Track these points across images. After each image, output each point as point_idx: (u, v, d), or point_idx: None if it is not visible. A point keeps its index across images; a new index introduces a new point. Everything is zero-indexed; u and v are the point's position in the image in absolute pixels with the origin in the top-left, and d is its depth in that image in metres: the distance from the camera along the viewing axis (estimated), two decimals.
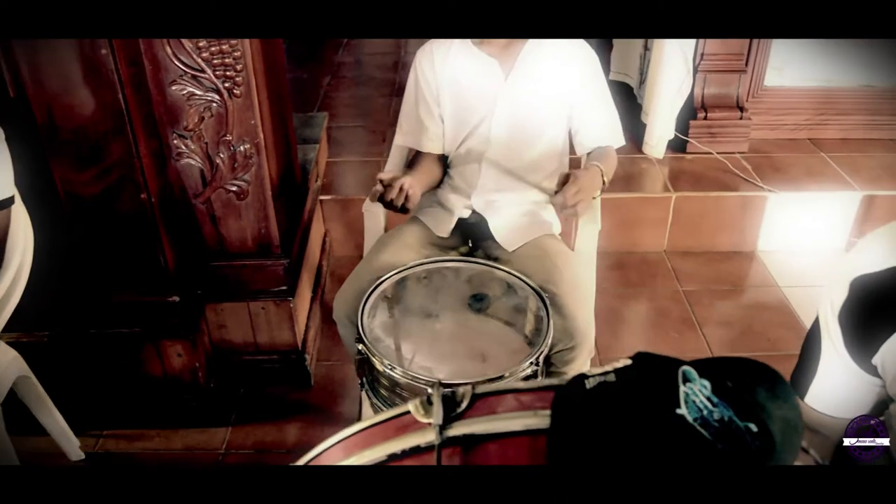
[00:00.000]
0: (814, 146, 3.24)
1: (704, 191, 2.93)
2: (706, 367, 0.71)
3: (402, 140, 1.92)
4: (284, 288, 2.13)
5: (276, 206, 2.01)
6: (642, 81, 3.15)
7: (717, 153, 3.09)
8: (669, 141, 3.09)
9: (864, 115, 3.23)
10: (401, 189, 1.57)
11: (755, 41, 3.01)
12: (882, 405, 1.05)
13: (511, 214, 1.84)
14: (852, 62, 3.09)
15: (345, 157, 3.21)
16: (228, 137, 1.86)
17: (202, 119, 1.83)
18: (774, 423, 0.68)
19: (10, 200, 1.54)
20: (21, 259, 1.61)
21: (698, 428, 0.66)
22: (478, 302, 1.63)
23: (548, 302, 1.56)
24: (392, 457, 0.68)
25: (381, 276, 1.65)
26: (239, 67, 1.77)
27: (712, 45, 3.00)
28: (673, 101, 2.98)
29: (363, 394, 1.65)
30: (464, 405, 0.67)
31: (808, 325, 2.63)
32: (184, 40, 1.72)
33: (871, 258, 0.96)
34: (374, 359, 1.47)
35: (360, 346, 1.49)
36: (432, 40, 1.83)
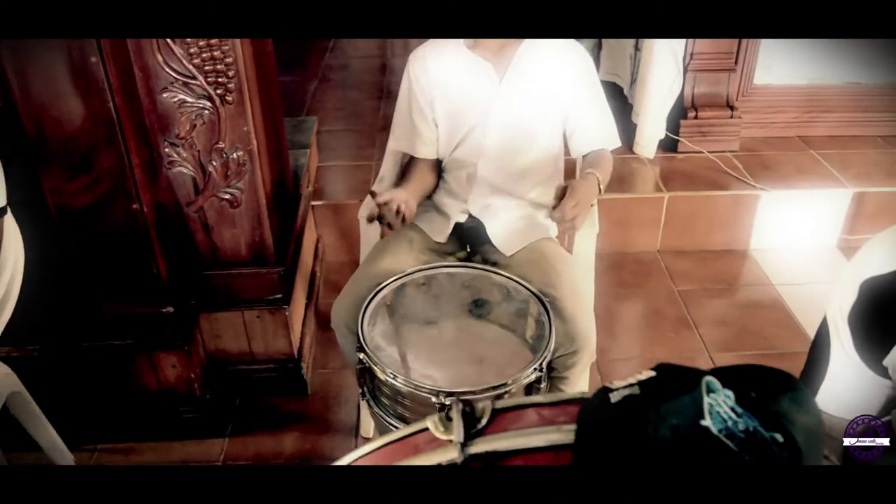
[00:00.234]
0: (803, 144, 3.25)
1: (696, 190, 2.93)
2: (727, 376, 0.70)
3: (395, 145, 1.90)
4: (279, 296, 2.10)
5: (269, 213, 1.99)
6: (633, 82, 3.15)
7: (708, 152, 3.09)
8: (660, 141, 3.10)
9: (852, 112, 3.25)
10: (398, 211, 1.59)
11: (744, 40, 3.02)
12: (890, 405, 1.05)
13: (508, 218, 1.82)
14: (840, 60, 3.11)
15: (335, 162, 3.19)
16: (221, 145, 1.84)
17: (194, 126, 1.81)
18: (799, 432, 0.67)
19: (4, 210, 1.50)
20: (12, 272, 1.58)
21: (724, 439, 0.65)
22: (478, 308, 1.62)
23: (549, 307, 1.55)
24: None
25: (380, 284, 1.63)
26: (231, 73, 1.74)
27: (702, 44, 3.01)
28: (663, 100, 2.99)
29: (362, 402, 1.63)
30: (484, 421, 0.66)
31: (803, 322, 2.65)
32: (175, 47, 1.69)
33: (881, 260, 0.96)
34: (375, 368, 1.45)
35: (362, 356, 1.47)
36: (425, 44, 1.81)
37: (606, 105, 1.82)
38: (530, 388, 1.45)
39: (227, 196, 1.92)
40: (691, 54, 3.02)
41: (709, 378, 0.67)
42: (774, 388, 0.71)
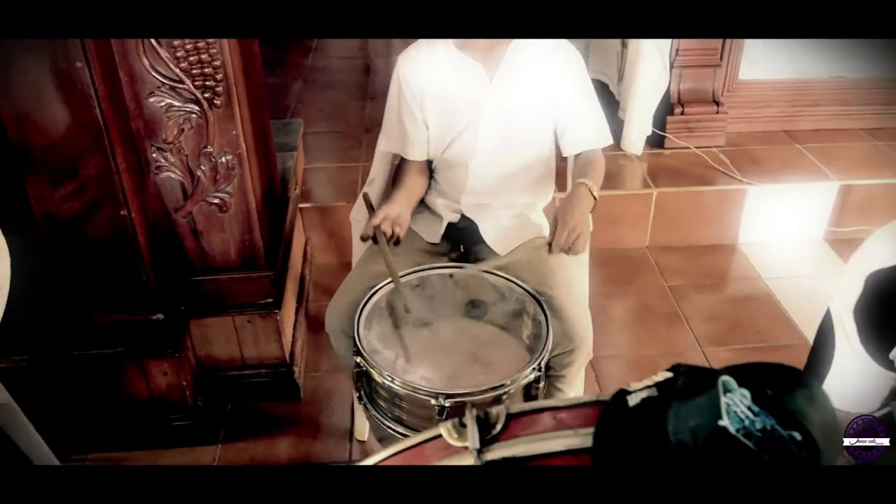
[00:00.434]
0: (789, 138, 3.27)
1: (684, 186, 2.94)
2: (740, 375, 0.69)
3: (386, 146, 1.88)
4: (270, 300, 2.08)
5: (259, 217, 1.97)
6: (620, 79, 3.15)
7: (695, 148, 3.10)
8: (647, 137, 3.10)
9: (836, 105, 3.28)
10: (392, 233, 1.63)
11: None
12: (893, 396, 1.05)
13: (501, 218, 1.81)
14: (824, 54, 3.13)
15: (321, 164, 3.17)
16: (209, 149, 1.81)
17: (182, 131, 1.78)
18: (815, 430, 0.67)
19: None
20: None
21: (742, 439, 0.65)
22: (475, 308, 1.61)
23: (545, 306, 1.54)
24: None
25: (374, 286, 1.61)
26: (219, 77, 1.72)
27: (687, 40, 3.02)
28: (650, 97, 2.99)
29: (359, 405, 1.62)
30: (499, 427, 0.65)
31: (793, 316, 2.66)
32: (161, 50, 1.67)
33: (886, 253, 0.96)
34: (372, 371, 1.43)
35: (359, 359, 1.46)
36: (414, 45, 1.80)
37: (597, 103, 1.81)
38: (529, 388, 1.45)
39: (216, 201, 1.89)
40: (677, 50, 3.03)
41: (725, 377, 0.67)
42: (787, 385, 0.71)
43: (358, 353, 1.46)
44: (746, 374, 0.70)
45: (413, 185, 1.81)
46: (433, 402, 1.35)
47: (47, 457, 1.85)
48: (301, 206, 2.78)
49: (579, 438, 0.61)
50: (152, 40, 1.66)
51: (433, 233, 1.81)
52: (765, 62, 3.14)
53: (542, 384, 1.45)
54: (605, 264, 2.87)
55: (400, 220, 1.65)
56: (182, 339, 2.01)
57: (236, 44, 1.82)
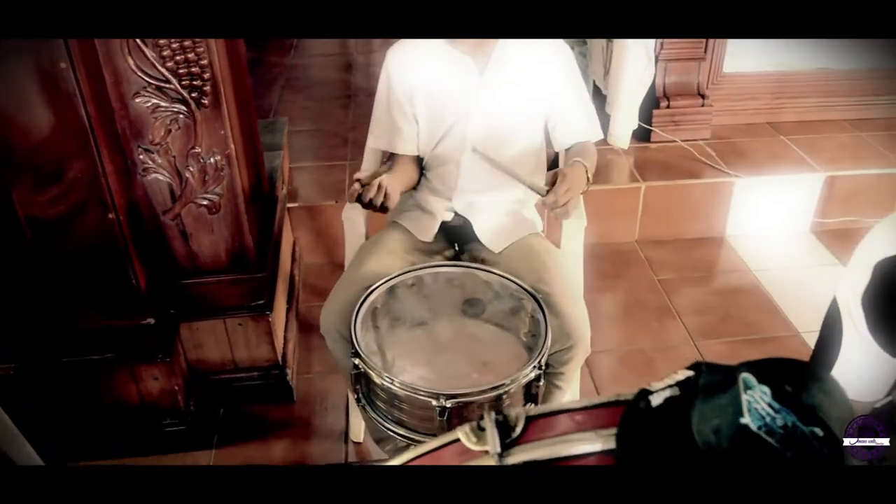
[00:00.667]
0: (773, 130, 3.29)
1: (671, 179, 2.95)
2: (757, 371, 0.69)
3: (375, 143, 1.86)
4: (262, 302, 2.06)
5: (249, 218, 1.94)
6: (605, 73, 3.14)
7: (681, 141, 3.11)
8: (634, 131, 3.10)
9: (820, 97, 3.30)
10: (379, 187, 1.54)
11: None
12: None
13: (494, 215, 1.80)
14: (807, 46, 3.15)
15: (307, 163, 3.14)
16: (198, 150, 1.79)
17: (169, 132, 1.75)
18: (834, 425, 0.66)
19: None
20: None
21: (764, 436, 0.64)
22: (472, 307, 1.59)
23: (543, 303, 1.53)
24: None
25: (369, 286, 1.60)
26: (206, 76, 1.69)
27: None
28: (636, 91, 2.99)
29: (357, 407, 1.60)
30: (518, 430, 0.63)
31: (782, 307, 2.66)
32: (146, 50, 1.63)
33: (893, 241, 0.96)
34: (371, 372, 1.42)
35: (357, 361, 1.44)
36: (403, 40, 1.78)
37: (588, 96, 1.81)
38: (529, 387, 1.44)
39: (205, 202, 1.86)
40: (661, 44, 3.03)
41: (745, 374, 0.66)
42: (806, 380, 0.70)
43: (356, 354, 1.44)
44: (763, 369, 0.69)
45: (403, 171, 1.79)
46: (434, 402, 1.34)
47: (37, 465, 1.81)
48: (289, 205, 2.76)
49: (601, 440, 0.60)
50: (137, 40, 1.62)
51: (426, 231, 1.79)
52: (748, 55, 3.15)
53: (542, 382, 1.44)
54: (596, 259, 2.86)
55: (391, 187, 1.56)
56: (173, 342, 1.98)
57: (223, 42, 1.79)
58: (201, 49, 1.66)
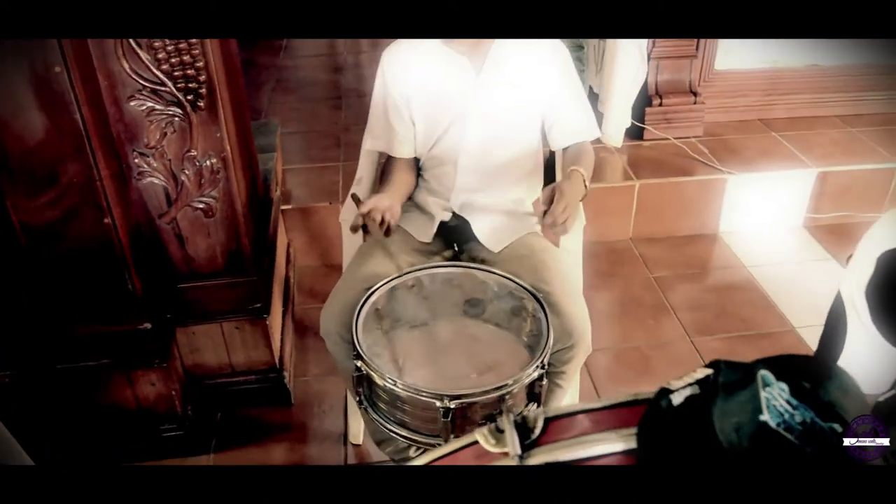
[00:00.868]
0: (765, 127, 3.30)
1: (665, 177, 2.95)
2: (774, 368, 0.69)
3: (372, 145, 1.86)
4: (259, 305, 2.04)
5: (245, 221, 1.93)
6: (598, 71, 3.15)
7: (674, 138, 3.12)
8: (627, 129, 3.11)
9: (811, 93, 3.32)
10: (382, 220, 1.56)
11: None
12: None
13: (492, 214, 1.80)
14: (798, 43, 3.17)
15: (300, 164, 3.13)
16: (193, 153, 1.77)
17: (164, 135, 1.74)
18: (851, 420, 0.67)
19: None
20: None
21: (783, 433, 0.64)
22: (473, 307, 1.59)
23: (544, 303, 1.53)
24: None
25: (369, 288, 1.59)
26: (202, 78, 1.68)
27: None
28: (629, 89, 2.99)
29: (359, 409, 1.59)
30: (537, 431, 0.63)
31: (777, 302, 2.68)
32: (141, 52, 1.62)
33: None
34: (374, 374, 1.41)
35: (359, 363, 1.43)
36: (398, 40, 1.78)
37: (584, 95, 1.81)
38: (532, 386, 1.43)
39: (201, 205, 1.85)
40: (653, 42, 3.04)
41: (763, 372, 0.66)
42: (822, 376, 0.70)
43: (358, 356, 1.43)
44: (779, 366, 0.69)
45: (401, 182, 1.79)
46: (438, 403, 1.33)
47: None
48: (283, 208, 2.74)
49: (622, 440, 0.60)
50: (132, 42, 1.61)
51: (425, 232, 1.79)
52: (740, 52, 3.16)
53: (545, 382, 1.44)
54: (591, 257, 2.85)
55: (391, 210, 1.59)
56: (169, 347, 1.96)
57: (218, 44, 1.78)
58: (196, 51, 1.65)
